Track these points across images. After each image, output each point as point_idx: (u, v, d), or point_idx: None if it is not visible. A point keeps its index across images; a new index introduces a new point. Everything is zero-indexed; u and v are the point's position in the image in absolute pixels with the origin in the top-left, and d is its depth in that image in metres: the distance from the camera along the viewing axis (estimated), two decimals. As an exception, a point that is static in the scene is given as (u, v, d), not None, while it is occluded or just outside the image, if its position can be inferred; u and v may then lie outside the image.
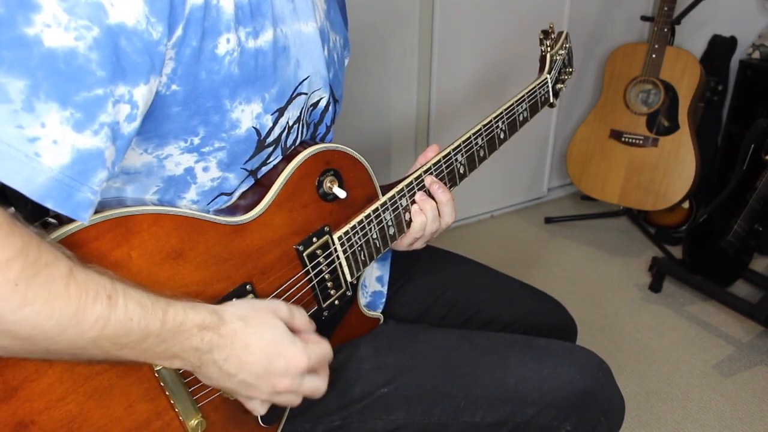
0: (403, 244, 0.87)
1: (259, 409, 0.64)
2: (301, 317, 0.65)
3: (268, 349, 0.59)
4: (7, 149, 0.44)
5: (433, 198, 0.83)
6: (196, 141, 0.60)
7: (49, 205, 0.46)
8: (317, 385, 0.66)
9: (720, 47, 2.28)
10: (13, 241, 0.44)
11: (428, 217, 0.83)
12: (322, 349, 0.65)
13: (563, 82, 1.08)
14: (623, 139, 2.20)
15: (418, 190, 0.82)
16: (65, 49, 0.46)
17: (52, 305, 0.45)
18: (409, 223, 0.83)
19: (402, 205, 0.81)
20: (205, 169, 0.63)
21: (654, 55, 2.11)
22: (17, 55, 0.44)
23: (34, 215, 0.52)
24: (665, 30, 2.07)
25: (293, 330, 0.64)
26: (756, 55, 2.22)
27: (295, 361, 0.61)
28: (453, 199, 0.85)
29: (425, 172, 0.82)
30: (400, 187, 0.80)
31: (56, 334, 0.46)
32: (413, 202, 0.83)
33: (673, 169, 2.12)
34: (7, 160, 0.44)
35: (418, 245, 0.88)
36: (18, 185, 0.44)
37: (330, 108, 0.78)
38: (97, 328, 0.48)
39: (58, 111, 0.46)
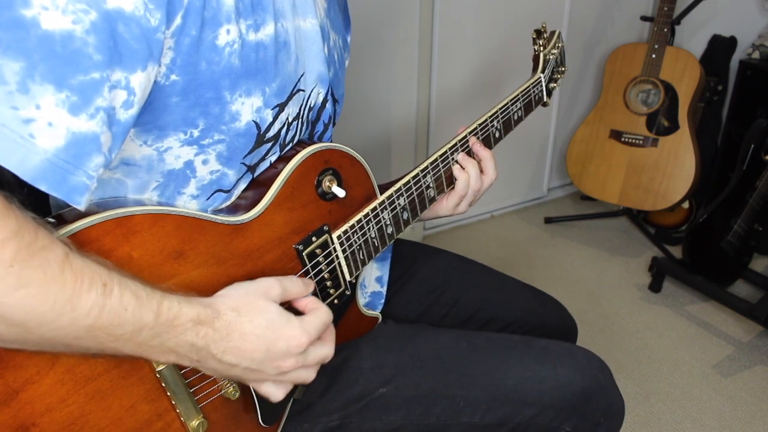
0: (449, 206, 0.90)
1: (274, 394, 0.63)
2: (294, 286, 0.65)
3: (266, 334, 0.59)
4: (1, 129, 0.43)
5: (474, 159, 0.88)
6: (196, 133, 0.60)
7: (43, 187, 0.46)
8: (324, 353, 0.65)
9: (720, 47, 2.28)
10: (9, 223, 0.43)
11: (471, 173, 0.87)
12: (320, 317, 0.64)
13: (556, 81, 1.09)
14: (623, 139, 2.20)
15: (416, 188, 0.82)
16: (62, 32, 0.45)
17: (48, 289, 0.45)
18: (406, 222, 0.83)
19: (400, 204, 0.81)
20: (205, 162, 0.63)
21: (654, 55, 2.11)
22: (14, 37, 0.44)
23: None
24: (665, 30, 2.07)
25: (290, 302, 0.63)
26: (756, 55, 2.22)
27: (295, 341, 0.60)
28: (494, 156, 0.90)
29: (423, 170, 0.83)
30: (397, 186, 0.80)
31: (51, 320, 0.46)
32: (455, 161, 0.87)
33: (672, 169, 2.12)
34: (1, 140, 0.44)
35: (463, 206, 0.90)
36: (12, 166, 0.44)
37: (328, 106, 0.78)
38: (91, 316, 0.47)
39: (53, 93, 0.46)
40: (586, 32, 2.41)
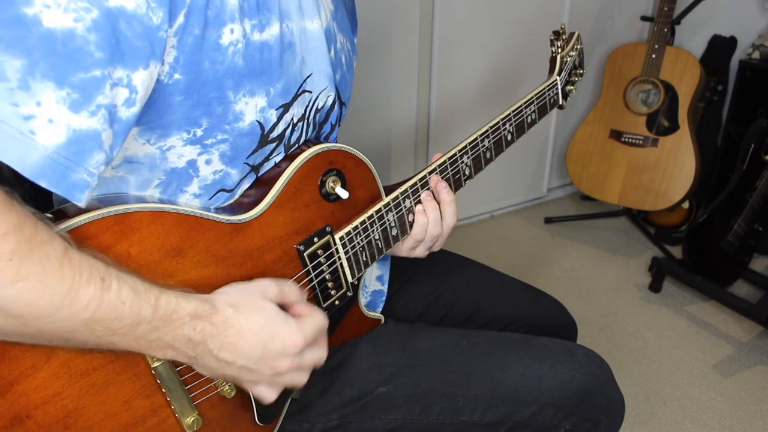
0: (404, 248, 0.84)
1: (267, 396, 0.63)
2: (291, 291, 0.65)
3: (262, 332, 0.59)
4: (1, 125, 0.44)
5: (437, 200, 0.82)
6: (199, 132, 0.60)
7: (43, 184, 0.46)
8: (318, 356, 0.66)
9: (720, 47, 2.28)
10: (9, 217, 0.44)
11: (430, 218, 0.81)
12: (315, 321, 0.65)
13: (573, 84, 1.06)
14: (623, 139, 2.20)
15: (423, 191, 0.81)
16: (64, 29, 0.46)
17: (46, 283, 0.45)
18: (411, 224, 0.82)
19: (406, 207, 0.80)
20: (208, 162, 0.63)
21: (654, 55, 2.11)
22: (15, 34, 0.44)
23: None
24: (665, 30, 2.07)
25: (285, 305, 0.64)
26: (756, 55, 2.22)
27: (291, 341, 0.61)
28: (455, 201, 0.83)
29: (431, 172, 0.82)
30: (404, 188, 0.79)
31: (48, 314, 0.46)
32: (418, 202, 0.81)
33: (672, 169, 2.12)
34: (0, 136, 0.44)
35: (420, 251, 0.85)
36: (12, 162, 0.44)
37: (336, 108, 0.78)
38: (89, 310, 0.48)
39: (54, 90, 0.46)
40: (586, 32, 2.41)
